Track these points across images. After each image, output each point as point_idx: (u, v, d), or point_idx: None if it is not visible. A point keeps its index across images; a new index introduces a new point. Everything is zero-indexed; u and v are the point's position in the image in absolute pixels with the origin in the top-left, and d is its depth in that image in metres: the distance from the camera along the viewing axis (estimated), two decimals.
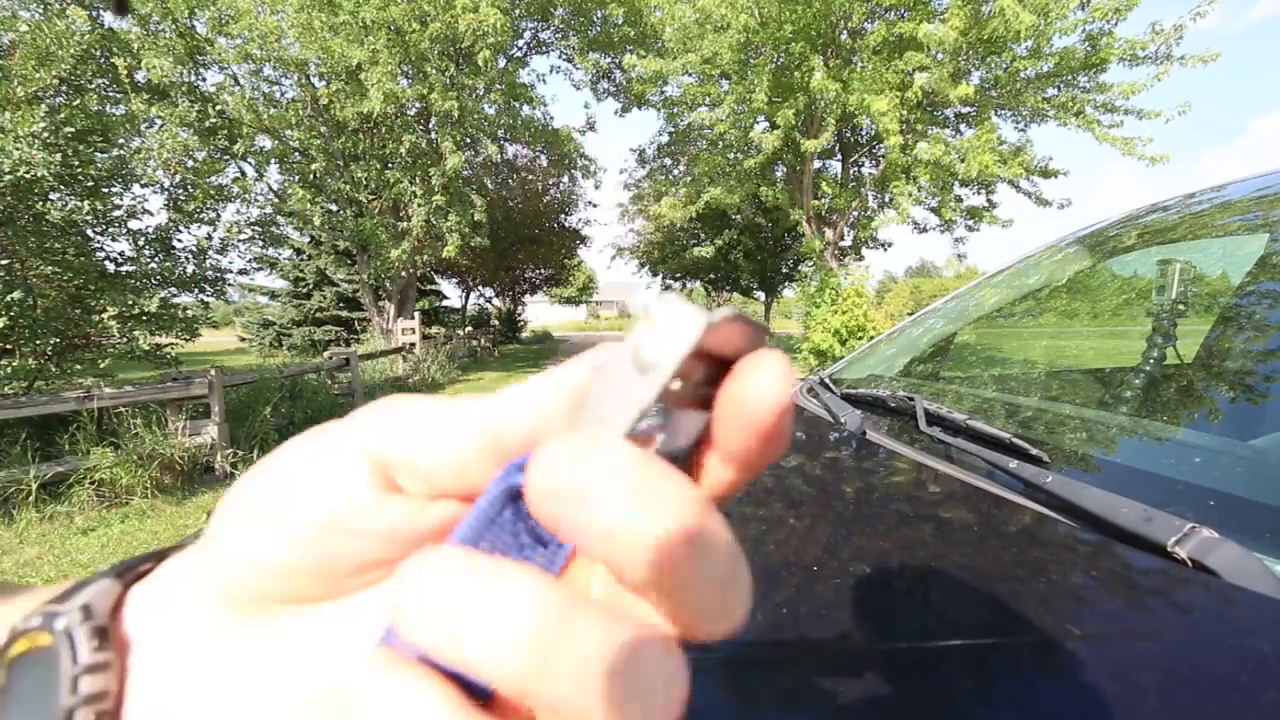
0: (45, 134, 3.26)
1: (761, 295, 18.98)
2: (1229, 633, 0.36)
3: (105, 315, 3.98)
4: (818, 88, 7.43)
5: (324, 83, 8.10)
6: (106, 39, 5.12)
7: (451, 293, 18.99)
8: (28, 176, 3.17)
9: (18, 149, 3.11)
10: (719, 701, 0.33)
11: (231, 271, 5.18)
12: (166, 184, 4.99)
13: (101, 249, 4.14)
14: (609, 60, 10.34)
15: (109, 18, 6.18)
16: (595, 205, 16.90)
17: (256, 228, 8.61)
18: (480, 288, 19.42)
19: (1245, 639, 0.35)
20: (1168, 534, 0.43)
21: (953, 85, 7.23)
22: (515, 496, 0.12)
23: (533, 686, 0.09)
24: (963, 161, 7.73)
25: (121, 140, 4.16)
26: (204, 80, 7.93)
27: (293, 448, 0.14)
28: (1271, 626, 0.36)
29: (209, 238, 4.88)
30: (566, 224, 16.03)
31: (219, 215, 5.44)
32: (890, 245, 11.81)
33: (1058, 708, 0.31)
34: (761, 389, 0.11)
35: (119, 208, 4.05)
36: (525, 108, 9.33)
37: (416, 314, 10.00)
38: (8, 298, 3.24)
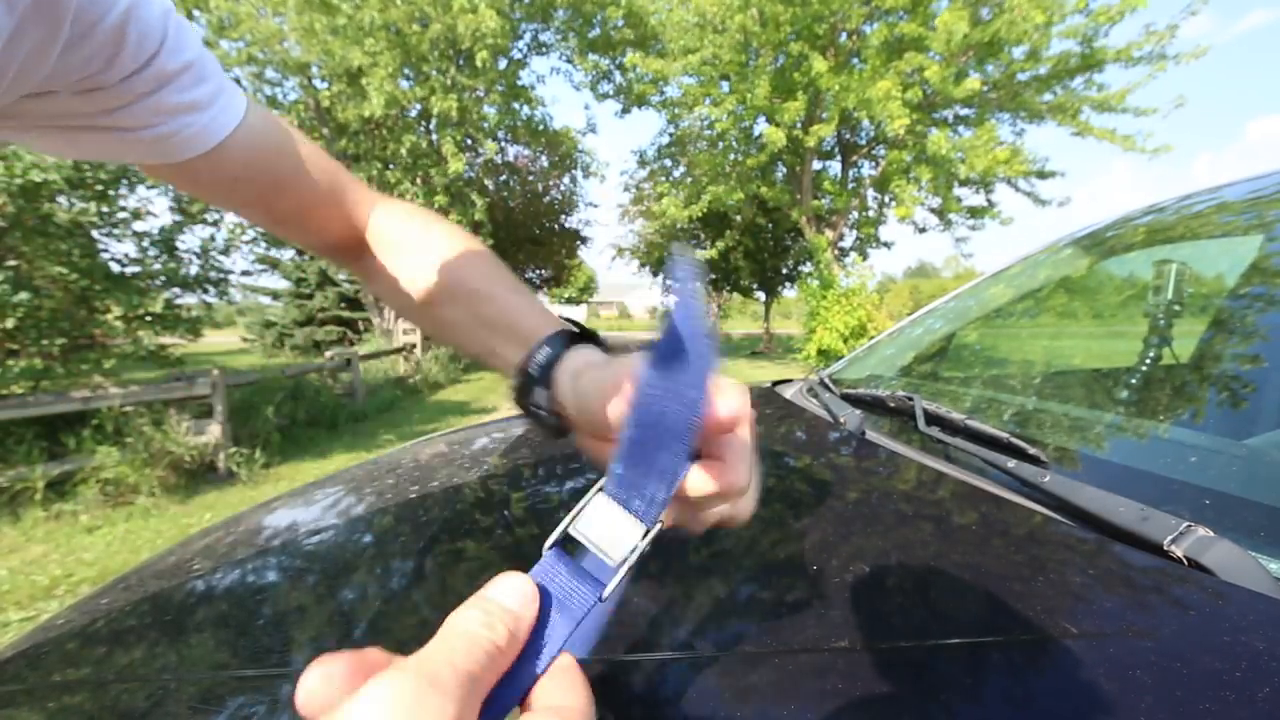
0: None
1: (761, 296, 18.95)
2: (1224, 630, 0.36)
3: (111, 316, 3.98)
4: (819, 74, 7.43)
5: (325, 85, 8.12)
6: None
7: None
8: (36, 180, 3.17)
9: (30, 153, 3.12)
10: (718, 700, 0.34)
11: (234, 272, 5.18)
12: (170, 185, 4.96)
13: (107, 250, 4.14)
14: (609, 62, 10.34)
15: None
16: (595, 206, 16.92)
17: (259, 229, 8.62)
18: None
19: (1240, 636, 0.35)
20: (1164, 533, 0.43)
21: (955, 84, 7.24)
22: None
23: None
24: (964, 161, 7.74)
25: None
26: None
27: None
28: (1265, 624, 0.36)
29: (212, 239, 4.88)
30: (567, 224, 16.01)
31: (222, 216, 5.43)
32: (892, 245, 11.85)
33: (1054, 705, 0.31)
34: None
35: (125, 210, 4.05)
36: (525, 108, 9.34)
37: None
38: (15, 299, 3.26)
